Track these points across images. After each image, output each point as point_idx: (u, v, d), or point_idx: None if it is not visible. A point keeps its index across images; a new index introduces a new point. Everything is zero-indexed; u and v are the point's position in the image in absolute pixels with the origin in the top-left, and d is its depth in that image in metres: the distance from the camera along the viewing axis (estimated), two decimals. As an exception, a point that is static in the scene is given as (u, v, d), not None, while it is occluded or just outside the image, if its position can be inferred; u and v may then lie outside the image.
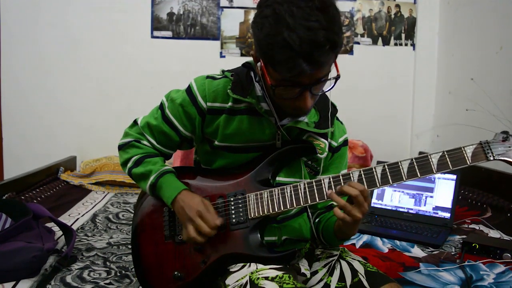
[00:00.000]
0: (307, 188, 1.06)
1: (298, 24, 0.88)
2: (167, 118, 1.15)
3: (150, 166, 1.13)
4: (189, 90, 1.14)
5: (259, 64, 1.03)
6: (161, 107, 1.18)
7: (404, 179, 1.02)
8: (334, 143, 1.20)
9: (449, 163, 1.00)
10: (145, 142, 1.17)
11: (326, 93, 1.18)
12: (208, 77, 1.15)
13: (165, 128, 1.15)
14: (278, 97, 1.02)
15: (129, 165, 1.16)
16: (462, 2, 3.02)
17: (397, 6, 3.34)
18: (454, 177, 1.99)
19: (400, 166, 1.02)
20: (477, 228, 2.00)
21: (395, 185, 2.08)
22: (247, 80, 1.12)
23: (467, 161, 0.99)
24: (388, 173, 1.02)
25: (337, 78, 1.00)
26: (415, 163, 1.01)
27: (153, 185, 1.12)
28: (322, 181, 1.05)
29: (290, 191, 1.07)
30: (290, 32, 0.88)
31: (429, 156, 1.01)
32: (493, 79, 2.59)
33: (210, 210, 1.06)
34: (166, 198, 1.10)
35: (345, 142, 1.24)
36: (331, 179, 1.05)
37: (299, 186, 1.06)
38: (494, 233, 1.91)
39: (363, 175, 1.03)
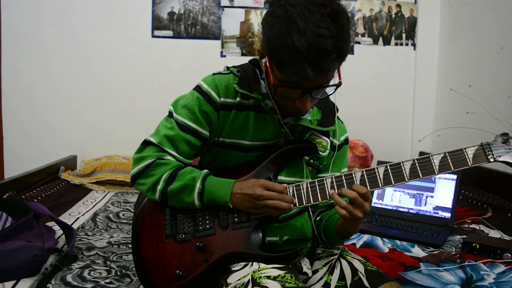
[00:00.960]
0: (309, 188, 1.06)
1: (309, 29, 0.89)
2: (182, 125, 1.11)
3: (190, 175, 1.07)
4: (200, 90, 1.13)
5: (264, 60, 1.03)
6: (172, 116, 1.14)
7: (406, 180, 1.03)
8: (336, 142, 1.21)
9: (450, 164, 1.01)
10: (168, 157, 1.11)
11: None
12: (215, 74, 1.15)
13: (185, 135, 1.11)
14: (279, 95, 1.03)
15: (160, 186, 1.08)
16: (462, 2, 3.02)
17: (398, 6, 3.33)
18: (455, 177, 1.99)
19: (402, 167, 1.03)
20: (478, 228, 2.00)
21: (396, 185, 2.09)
22: (253, 76, 1.12)
23: (469, 162, 1.01)
24: (390, 174, 1.03)
25: (338, 85, 1.02)
26: (417, 164, 1.02)
27: (202, 191, 1.06)
28: (325, 181, 1.06)
29: (293, 191, 1.07)
30: (299, 36, 0.89)
31: (431, 157, 1.02)
32: (494, 79, 2.59)
33: (267, 181, 1.06)
34: (222, 197, 1.06)
35: (346, 140, 1.25)
36: (333, 179, 1.05)
37: (301, 186, 1.07)
38: (494, 233, 1.91)
39: (365, 176, 1.04)
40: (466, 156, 1.01)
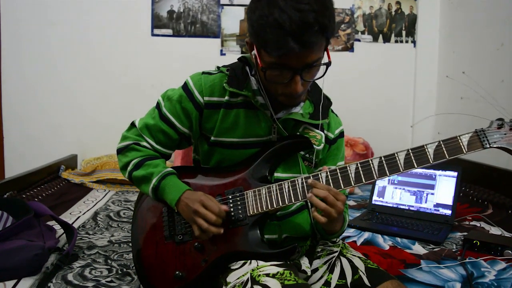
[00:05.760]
0: (304, 183, 1.06)
1: (289, 6, 0.91)
2: (164, 116, 1.15)
3: (151, 169, 1.13)
4: (185, 86, 1.15)
5: (254, 52, 1.04)
6: (158, 106, 1.18)
7: (401, 170, 1.01)
8: (331, 135, 1.21)
9: (445, 152, 1.00)
10: (144, 144, 1.17)
11: (320, 86, 1.19)
12: (203, 72, 1.16)
13: (163, 127, 1.15)
14: (270, 81, 1.03)
15: (129, 168, 1.16)
16: (463, -1, 3.02)
17: (398, 3, 3.33)
18: (455, 174, 1.99)
19: (397, 158, 1.02)
20: (478, 225, 1.99)
21: (396, 182, 2.09)
22: (242, 73, 1.13)
23: (463, 149, 0.99)
24: (385, 165, 1.02)
25: (327, 64, 1.02)
26: (411, 154, 1.01)
27: (156, 188, 1.11)
28: (320, 175, 1.05)
29: (288, 187, 1.07)
30: (281, 13, 0.91)
31: (425, 147, 1.01)
32: (494, 76, 2.59)
33: (212, 199, 1.07)
34: (170, 200, 1.10)
35: (341, 134, 1.25)
36: (328, 173, 1.05)
37: (296, 182, 1.07)
38: (495, 230, 1.91)
39: (360, 168, 1.03)
40: (461, 144, 0.99)
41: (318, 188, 1.01)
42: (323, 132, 1.19)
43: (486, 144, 0.99)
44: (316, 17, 0.91)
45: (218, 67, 1.18)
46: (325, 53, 1.01)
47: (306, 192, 1.05)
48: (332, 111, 1.24)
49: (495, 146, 0.99)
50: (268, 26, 0.93)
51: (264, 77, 1.03)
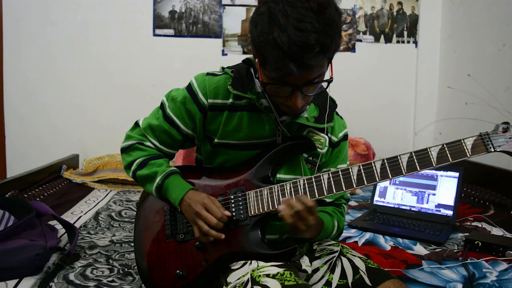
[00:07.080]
0: (306, 185, 1.06)
1: (290, 25, 0.88)
2: (168, 117, 1.15)
3: (155, 168, 1.13)
4: (189, 87, 1.14)
5: (257, 60, 1.03)
6: (162, 106, 1.18)
7: (404, 173, 1.01)
8: (334, 138, 1.20)
9: (448, 155, 0.99)
10: (148, 144, 1.17)
11: (327, 89, 1.18)
12: (208, 74, 1.15)
13: (167, 127, 1.15)
14: (271, 94, 1.03)
15: (133, 167, 1.16)
16: (464, -1, 3.02)
17: (399, 3, 3.33)
18: (457, 174, 1.99)
19: (400, 160, 1.01)
20: (480, 225, 1.99)
21: (397, 182, 2.09)
22: (247, 76, 1.12)
23: (467, 153, 0.98)
24: (387, 168, 1.01)
25: (329, 81, 1.00)
26: (414, 157, 1.00)
27: (160, 187, 1.12)
28: (322, 177, 1.05)
29: (290, 188, 1.07)
30: (280, 32, 0.88)
31: (428, 150, 1.00)
32: (495, 76, 2.59)
33: (215, 203, 1.07)
34: (173, 199, 1.10)
35: (345, 136, 1.24)
36: (330, 175, 1.04)
37: (298, 183, 1.06)
38: (496, 231, 1.91)
39: (362, 170, 1.03)
40: (465, 147, 0.98)
41: (299, 200, 1.00)
42: (327, 135, 1.18)
43: (490, 148, 0.98)
44: (318, 38, 0.88)
45: (222, 68, 1.18)
46: (328, 67, 0.99)
47: (308, 194, 1.05)
48: (337, 113, 1.23)
49: (499, 150, 0.98)
50: (267, 45, 0.91)
51: (265, 90, 1.03)
